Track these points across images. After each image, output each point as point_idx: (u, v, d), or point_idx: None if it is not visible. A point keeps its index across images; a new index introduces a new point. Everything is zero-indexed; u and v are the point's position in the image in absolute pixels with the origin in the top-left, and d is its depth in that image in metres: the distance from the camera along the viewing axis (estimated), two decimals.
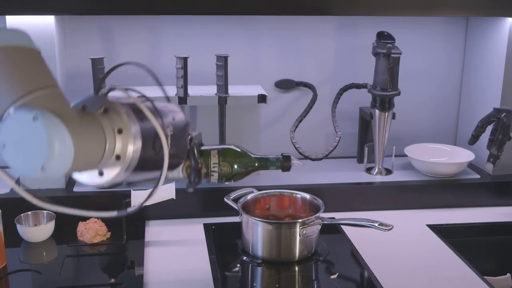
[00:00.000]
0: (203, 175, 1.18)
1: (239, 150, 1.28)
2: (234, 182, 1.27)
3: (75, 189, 1.70)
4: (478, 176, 1.88)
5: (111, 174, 0.86)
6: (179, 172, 1.15)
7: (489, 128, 1.73)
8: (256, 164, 1.28)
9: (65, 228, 1.58)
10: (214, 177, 1.23)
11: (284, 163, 1.31)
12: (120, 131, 0.83)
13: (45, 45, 1.60)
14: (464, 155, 1.89)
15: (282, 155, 1.32)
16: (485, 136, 1.74)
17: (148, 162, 0.90)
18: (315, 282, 1.46)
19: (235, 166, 1.25)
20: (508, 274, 1.64)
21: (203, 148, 1.22)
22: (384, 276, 1.41)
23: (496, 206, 1.82)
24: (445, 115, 2.10)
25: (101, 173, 0.87)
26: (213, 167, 1.22)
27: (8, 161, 0.78)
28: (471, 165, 1.93)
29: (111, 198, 1.64)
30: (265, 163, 1.29)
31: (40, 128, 0.74)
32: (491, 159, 1.67)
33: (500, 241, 1.73)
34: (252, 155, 1.29)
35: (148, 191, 1.54)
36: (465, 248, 1.56)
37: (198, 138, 1.17)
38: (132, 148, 0.85)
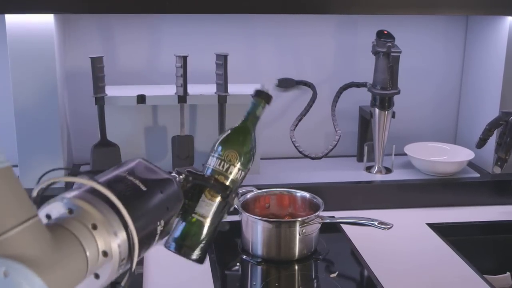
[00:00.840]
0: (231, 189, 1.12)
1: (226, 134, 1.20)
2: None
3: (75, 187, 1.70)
4: (478, 175, 1.88)
5: (106, 272, 0.80)
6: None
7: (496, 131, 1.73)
8: (249, 125, 1.21)
9: None
10: (234, 173, 1.14)
11: (261, 98, 1.22)
12: (94, 227, 0.77)
13: (45, 44, 1.61)
14: (464, 154, 1.89)
15: (253, 95, 1.24)
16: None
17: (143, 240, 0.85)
18: (315, 281, 1.46)
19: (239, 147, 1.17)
20: (508, 273, 1.64)
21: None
22: (384, 275, 1.41)
23: (496, 205, 1.82)
24: (445, 114, 2.11)
25: (97, 276, 0.80)
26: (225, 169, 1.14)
27: None
28: (471, 164, 1.93)
29: None
30: (253, 117, 1.22)
31: (12, 285, 0.67)
32: (499, 163, 1.67)
33: (500, 240, 1.73)
34: (239, 124, 1.21)
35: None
36: (464, 247, 1.56)
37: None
38: (116, 239, 0.78)
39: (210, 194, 1.10)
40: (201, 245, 1.10)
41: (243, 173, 1.15)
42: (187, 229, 1.09)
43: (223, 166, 1.13)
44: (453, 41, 2.04)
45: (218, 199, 1.10)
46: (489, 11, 1.77)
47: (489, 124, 1.70)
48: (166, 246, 1.09)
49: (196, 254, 1.10)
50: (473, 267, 1.46)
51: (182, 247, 1.09)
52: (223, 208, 1.11)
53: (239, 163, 1.14)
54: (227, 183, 1.12)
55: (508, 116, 1.62)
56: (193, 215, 1.09)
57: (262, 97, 1.22)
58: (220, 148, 1.16)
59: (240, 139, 1.18)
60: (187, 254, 1.10)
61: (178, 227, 1.09)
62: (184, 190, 1.03)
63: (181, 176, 1.05)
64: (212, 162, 1.15)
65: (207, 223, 1.09)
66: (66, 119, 1.80)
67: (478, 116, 1.79)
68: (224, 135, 1.19)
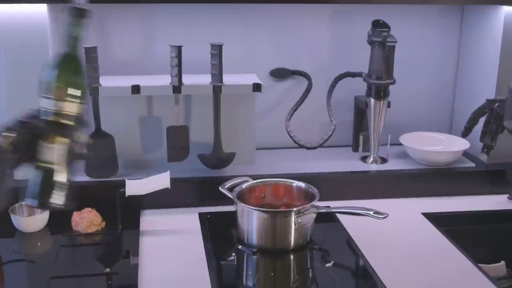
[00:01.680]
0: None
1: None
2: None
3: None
4: (473, 165, 1.89)
5: None
6: None
7: (481, 120, 1.74)
8: (72, 52, 1.08)
9: (60, 218, 1.58)
10: (70, 108, 1.02)
11: (76, 16, 1.07)
12: None
13: (38, 33, 1.61)
14: (459, 144, 1.89)
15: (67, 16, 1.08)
16: (480, 125, 1.74)
17: None
18: (310, 270, 1.47)
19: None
20: (503, 262, 1.65)
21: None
22: (379, 264, 1.41)
23: (491, 195, 1.83)
24: (440, 103, 2.11)
25: None
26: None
27: None
28: (466, 154, 1.94)
29: (105, 188, 1.64)
30: (73, 40, 1.08)
31: None
32: (485, 150, 1.68)
33: (495, 229, 1.74)
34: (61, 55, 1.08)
35: (142, 181, 1.55)
36: (459, 236, 1.57)
37: None
38: None
39: (49, 139, 1.03)
40: (59, 191, 1.04)
41: (80, 105, 1.04)
42: (37, 180, 1.03)
43: (56, 105, 1.02)
44: (449, 31, 2.04)
45: (61, 140, 1.03)
46: (484, 0, 1.77)
47: (473, 112, 1.70)
48: (27, 204, 1.05)
49: (57, 201, 1.04)
50: (468, 257, 1.46)
51: (40, 200, 1.03)
52: (70, 147, 1.04)
53: (74, 96, 1.03)
54: (65, 121, 1.02)
55: (493, 104, 1.62)
56: (39, 164, 1.03)
57: (76, 14, 1.06)
58: (48, 85, 1.03)
59: (67, 70, 1.05)
60: (46, 205, 1.05)
61: (30, 181, 1.03)
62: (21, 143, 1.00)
63: (12, 134, 1.00)
64: (44, 103, 1.03)
65: (57, 168, 1.03)
66: None
67: (474, 106, 1.79)
68: (49, 70, 1.05)
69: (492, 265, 1.61)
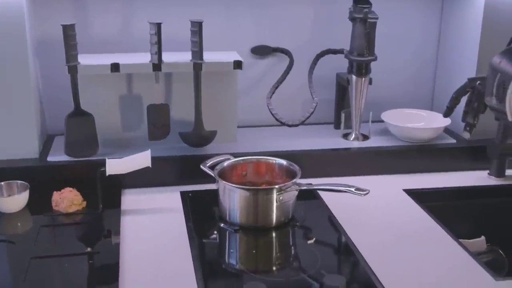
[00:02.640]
0: None
1: None
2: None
3: (49, 158, 1.69)
4: (454, 141, 1.90)
5: None
6: None
7: (463, 100, 1.74)
8: None
9: (40, 198, 1.57)
10: None
11: None
12: None
13: (14, 12, 1.58)
14: (441, 120, 1.90)
15: None
16: (462, 104, 1.75)
17: None
18: (292, 247, 1.48)
19: None
20: (483, 237, 1.67)
21: None
22: (361, 241, 1.42)
23: (471, 170, 1.85)
24: (421, 80, 2.11)
25: None
26: None
27: None
28: (447, 130, 1.95)
29: (85, 167, 1.63)
30: None
31: None
32: (468, 128, 1.68)
33: (475, 205, 1.75)
34: None
35: (122, 160, 1.54)
36: (440, 212, 1.58)
37: None
38: None
39: None
40: None
41: None
42: None
43: None
44: (430, 8, 2.04)
45: None
46: None
47: (455, 92, 1.71)
48: None
49: None
50: (449, 232, 1.48)
51: None
52: None
53: None
54: None
55: (475, 82, 1.62)
56: None
57: None
58: None
59: None
60: None
61: None
62: None
63: None
64: None
65: None
66: (39, 89, 1.78)
67: (455, 83, 1.79)
68: None
69: (473, 240, 1.63)
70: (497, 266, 1.65)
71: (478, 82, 1.64)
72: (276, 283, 1.26)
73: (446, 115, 1.74)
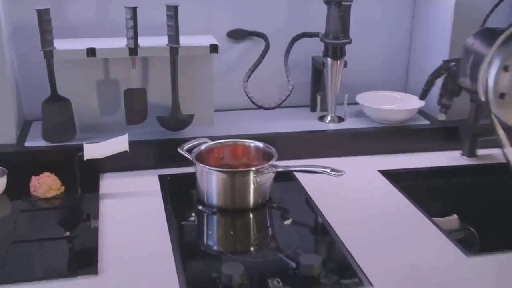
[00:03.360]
0: None
1: None
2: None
3: (27, 144, 1.68)
4: (428, 122, 1.92)
5: None
6: None
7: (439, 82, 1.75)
8: None
9: (18, 184, 1.57)
10: None
11: None
12: None
13: None
14: (414, 102, 1.91)
15: None
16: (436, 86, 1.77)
17: None
18: (270, 228, 1.49)
19: None
20: (455, 215, 1.69)
21: None
22: (337, 221, 1.43)
23: (444, 151, 1.87)
24: (396, 63, 2.13)
25: None
26: None
27: None
28: (421, 112, 1.97)
29: (63, 152, 1.63)
30: None
31: None
32: (443, 109, 1.70)
33: (448, 184, 1.78)
34: None
35: (100, 144, 1.54)
36: (414, 192, 1.59)
37: None
38: None
39: None
40: None
41: None
42: None
43: None
44: None
45: None
46: None
47: (431, 74, 1.71)
48: None
49: None
50: (423, 211, 1.50)
51: None
52: None
53: None
54: None
55: (450, 63, 1.63)
56: None
57: None
58: None
59: None
60: None
61: None
62: None
63: None
64: None
65: None
66: (15, 76, 1.77)
67: (429, 66, 1.81)
68: None
69: (445, 218, 1.66)
70: (469, 243, 1.67)
71: (453, 63, 1.65)
72: (253, 264, 1.27)
73: (422, 97, 1.75)
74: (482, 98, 1.17)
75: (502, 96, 1.14)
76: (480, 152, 1.83)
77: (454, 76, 1.64)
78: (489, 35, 1.20)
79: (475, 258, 1.30)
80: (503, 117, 1.16)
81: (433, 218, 1.47)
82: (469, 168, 1.80)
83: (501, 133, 1.15)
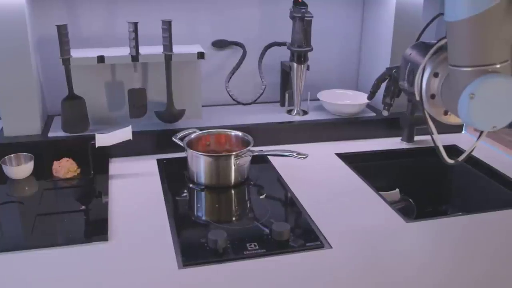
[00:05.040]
0: None
1: None
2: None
3: (50, 134, 1.66)
4: (374, 114, 1.91)
5: None
6: None
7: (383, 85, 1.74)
8: None
9: (42, 167, 1.55)
10: None
11: None
12: None
13: (16, 13, 1.54)
14: (364, 98, 1.91)
15: None
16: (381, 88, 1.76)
17: None
18: (248, 202, 1.48)
19: None
20: (397, 189, 1.70)
21: None
22: (302, 195, 1.44)
23: (388, 137, 1.87)
24: (348, 66, 2.12)
25: None
26: None
27: (468, 109, 0.96)
28: (369, 106, 1.97)
29: (79, 141, 1.61)
30: None
31: None
32: (386, 107, 1.68)
33: (391, 164, 1.78)
34: None
35: (108, 134, 1.53)
36: (364, 171, 1.60)
37: None
38: None
39: None
40: None
41: None
42: None
43: None
44: (354, 9, 2.03)
45: None
46: None
47: (376, 79, 1.70)
48: None
49: None
50: (371, 186, 1.50)
51: None
52: None
53: None
54: None
55: (391, 70, 1.62)
56: None
57: None
58: None
59: None
60: None
61: None
62: None
63: None
64: None
65: None
66: (40, 79, 1.73)
67: (375, 68, 1.82)
68: None
69: (389, 192, 1.66)
70: (407, 211, 1.68)
71: (394, 70, 1.64)
72: (234, 230, 1.26)
73: (370, 98, 1.71)
74: (417, 98, 1.17)
75: (432, 96, 1.15)
76: (416, 138, 1.83)
77: (395, 80, 1.63)
78: (423, 47, 1.21)
79: (412, 224, 1.31)
80: (433, 113, 1.18)
81: (379, 192, 1.48)
82: (408, 151, 1.80)
83: (431, 124, 1.17)
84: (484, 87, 0.99)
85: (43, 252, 1.17)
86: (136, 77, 1.71)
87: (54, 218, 1.33)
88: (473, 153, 1.69)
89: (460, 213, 1.42)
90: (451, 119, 1.18)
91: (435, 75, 1.14)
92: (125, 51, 1.67)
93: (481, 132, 1.14)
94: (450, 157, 1.17)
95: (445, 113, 1.17)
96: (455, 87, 1.05)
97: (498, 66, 1.00)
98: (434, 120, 1.18)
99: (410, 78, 1.22)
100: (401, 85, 1.32)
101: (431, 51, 1.14)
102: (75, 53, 1.64)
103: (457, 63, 1.04)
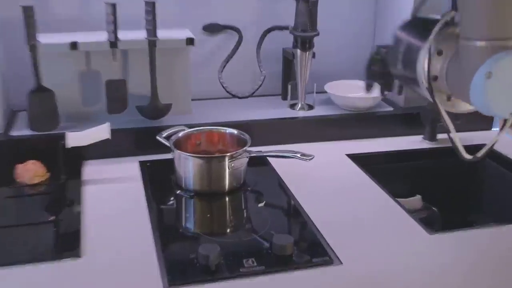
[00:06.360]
0: None
1: None
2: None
3: (13, 133, 1.64)
4: (391, 109, 1.90)
5: None
6: None
7: None
8: None
9: (4, 171, 1.53)
10: None
11: None
12: None
13: None
14: (379, 90, 1.89)
15: None
16: None
17: None
18: (245, 210, 1.47)
19: None
20: (418, 196, 1.69)
21: None
22: (307, 203, 1.42)
23: (406, 136, 1.86)
24: (360, 53, 2.09)
25: None
26: None
27: (483, 91, 0.92)
28: (384, 99, 1.95)
29: (48, 141, 1.59)
30: None
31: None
32: (398, 90, 1.67)
33: (412, 167, 1.77)
34: None
35: (82, 132, 1.51)
36: (380, 174, 1.59)
37: None
38: None
39: None
40: None
41: None
42: None
43: None
44: None
45: None
46: None
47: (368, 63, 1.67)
48: None
49: None
50: (388, 192, 1.49)
51: None
52: None
53: None
54: None
55: (381, 49, 1.59)
56: None
57: None
58: None
59: None
60: None
61: None
62: None
63: None
64: None
65: None
66: (2, 68, 1.72)
67: None
68: None
69: (409, 198, 1.65)
70: (431, 222, 1.67)
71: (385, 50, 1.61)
72: (229, 244, 1.25)
73: (368, 89, 1.69)
74: (423, 82, 1.14)
75: (434, 78, 1.12)
76: (439, 136, 1.82)
77: (383, 62, 1.58)
78: (421, 23, 1.18)
79: (436, 236, 1.29)
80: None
81: (397, 199, 1.47)
82: (430, 151, 1.79)
83: (442, 110, 1.14)
84: (504, 64, 0.95)
85: (3, 272, 1.14)
86: (115, 67, 1.70)
87: (17, 231, 1.30)
88: (509, 154, 1.68)
89: (492, 224, 1.41)
90: (456, 106, 1.15)
91: (439, 53, 1.11)
92: (102, 36, 1.66)
93: (504, 123, 1.12)
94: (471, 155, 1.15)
95: (448, 98, 1.14)
96: (467, 66, 1.02)
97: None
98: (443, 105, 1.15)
99: (407, 59, 1.19)
100: (392, 69, 1.29)
101: (437, 26, 1.11)
102: (44, 39, 1.63)
103: (471, 35, 1.01)
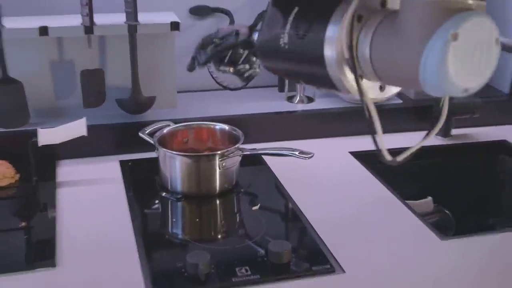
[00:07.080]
0: None
1: None
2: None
3: None
4: (400, 101, 1.93)
5: None
6: None
7: None
8: None
9: None
10: None
11: None
12: None
13: None
14: None
15: None
16: None
17: None
18: (237, 214, 1.49)
19: None
20: (429, 197, 1.70)
21: None
22: (307, 205, 1.44)
23: (417, 131, 1.86)
24: None
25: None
26: None
27: (443, 57, 0.76)
28: None
29: (16, 138, 1.61)
30: None
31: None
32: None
33: (422, 165, 1.78)
34: None
35: (56, 129, 1.53)
36: (387, 174, 1.60)
37: None
38: None
39: None
40: None
41: None
42: None
43: None
44: None
45: None
46: None
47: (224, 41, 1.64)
48: None
49: None
50: (396, 194, 1.51)
51: None
52: None
53: None
54: None
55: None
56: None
57: None
58: None
59: None
60: None
61: None
62: None
63: None
64: None
65: None
66: None
67: None
68: None
69: (419, 201, 1.67)
70: (444, 226, 1.69)
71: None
72: (220, 251, 1.27)
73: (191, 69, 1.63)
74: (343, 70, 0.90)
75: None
76: (454, 132, 1.84)
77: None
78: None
79: (450, 241, 1.31)
80: (347, 85, 0.90)
81: (406, 201, 1.49)
82: (443, 148, 1.81)
83: (368, 101, 0.92)
84: (471, 25, 0.79)
85: None
86: (91, 55, 1.72)
87: None
88: None
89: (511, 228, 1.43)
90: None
91: (358, 18, 0.88)
92: (76, 20, 1.68)
93: (438, 120, 0.98)
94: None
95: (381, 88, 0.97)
96: (413, 30, 0.83)
97: (471, 1, 0.81)
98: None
99: (301, 28, 0.92)
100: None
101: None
102: (10, 23, 1.64)
103: None
